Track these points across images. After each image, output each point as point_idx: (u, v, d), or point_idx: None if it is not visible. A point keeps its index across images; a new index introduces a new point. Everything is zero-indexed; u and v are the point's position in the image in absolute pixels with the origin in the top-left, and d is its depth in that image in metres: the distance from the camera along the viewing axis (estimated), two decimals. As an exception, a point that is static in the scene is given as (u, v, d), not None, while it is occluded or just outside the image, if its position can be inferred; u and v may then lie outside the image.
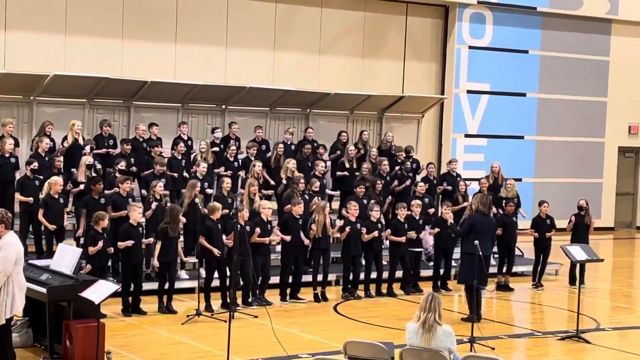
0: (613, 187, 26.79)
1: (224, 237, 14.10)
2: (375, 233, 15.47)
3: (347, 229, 15.22)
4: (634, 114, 26.91)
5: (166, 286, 13.74)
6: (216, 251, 13.72)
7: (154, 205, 14.61)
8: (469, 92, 24.26)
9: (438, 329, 8.61)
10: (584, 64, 25.96)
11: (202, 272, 14.28)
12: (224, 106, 19.79)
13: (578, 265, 15.05)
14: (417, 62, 23.89)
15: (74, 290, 10.67)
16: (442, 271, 16.49)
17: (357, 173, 18.22)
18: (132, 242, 13.16)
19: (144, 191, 15.98)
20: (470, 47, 24.20)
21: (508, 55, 24.71)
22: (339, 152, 19.30)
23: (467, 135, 24.34)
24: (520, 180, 23.27)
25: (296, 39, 21.98)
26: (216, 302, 14.05)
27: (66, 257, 11.42)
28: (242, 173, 17.50)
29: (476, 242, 13.22)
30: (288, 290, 15.06)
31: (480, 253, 13.06)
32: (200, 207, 14.47)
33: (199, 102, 19.51)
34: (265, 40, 21.56)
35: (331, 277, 16.13)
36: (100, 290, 10.35)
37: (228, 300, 13.81)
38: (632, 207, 27.69)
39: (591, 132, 26.28)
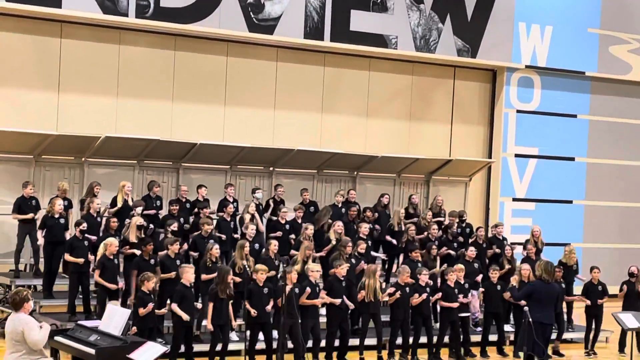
0: (663, 253, 26.37)
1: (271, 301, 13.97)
2: (424, 296, 15.35)
3: (398, 293, 15.10)
4: (685, 179, 26.58)
5: (219, 348, 13.63)
6: (253, 311, 13.60)
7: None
8: (516, 155, 24.16)
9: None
10: (633, 128, 25.77)
11: (233, 336, 14.19)
12: (271, 168, 19.89)
13: (633, 333, 14.74)
14: (465, 125, 23.87)
15: (123, 352, 10.66)
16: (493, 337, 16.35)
17: (403, 237, 18.21)
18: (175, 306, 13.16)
19: (192, 252, 16.03)
20: (518, 111, 24.16)
21: (556, 120, 24.61)
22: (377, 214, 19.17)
23: (514, 199, 24.18)
24: (568, 245, 22.97)
25: (344, 102, 22.10)
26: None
27: (115, 318, 11.43)
28: (293, 236, 17.54)
29: (525, 308, 13.08)
30: (335, 354, 14.92)
31: (530, 319, 12.89)
32: (249, 269, 14.46)
33: (247, 164, 19.63)
34: (313, 103, 21.70)
35: (370, 341, 15.77)
36: (149, 352, 10.34)
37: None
38: (684, 273, 27.16)
39: (641, 197, 25.99)
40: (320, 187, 20.41)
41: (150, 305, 12.83)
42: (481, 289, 16.80)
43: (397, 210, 18.98)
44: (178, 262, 14.50)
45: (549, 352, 15.53)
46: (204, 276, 14.44)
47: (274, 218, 17.93)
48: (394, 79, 22.83)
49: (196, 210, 17.36)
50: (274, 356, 13.79)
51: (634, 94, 25.68)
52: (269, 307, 13.71)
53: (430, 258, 17.52)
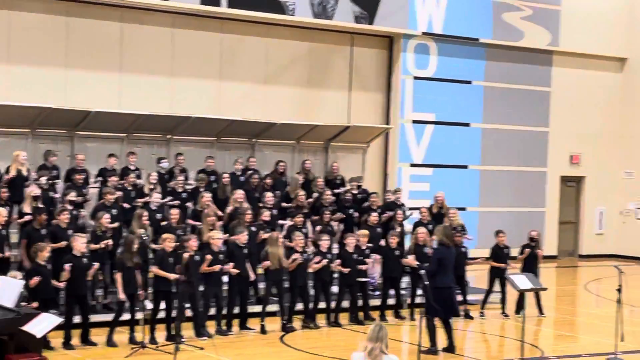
0: (556, 216, 27.12)
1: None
2: (325, 262, 15.45)
3: (299, 258, 15.12)
4: (575, 144, 27.34)
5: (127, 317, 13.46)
6: (173, 276, 13.50)
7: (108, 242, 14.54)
8: (414, 122, 24.45)
9: (384, 358, 8.58)
10: (526, 94, 26.35)
11: (148, 303, 14.12)
12: (169, 136, 19.69)
13: (527, 294, 15.11)
14: (363, 92, 24.03)
15: (16, 324, 10.48)
16: (392, 300, 16.58)
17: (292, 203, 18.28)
18: (68, 270, 12.85)
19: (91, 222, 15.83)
20: (415, 78, 24.43)
21: (452, 86, 24.97)
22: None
23: (412, 165, 24.50)
24: (464, 209, 23.45)
25: (242, 69, 21.99)
26: (161, 334, 13.88)
27: (7, 290, 11.21)
28: (190, 204, 17.42)
29: (422, 272, 13.28)
30: (236, 321, 14.95)
31: (427, 283, 13.09)
32: (146, 237, 14.33)
33: (144, 132, 19.39)
34: (211, 70, 21.54)
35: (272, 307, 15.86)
36: (42, 324, 10.19)
37: (173, 332, 13.64)
38: (574, 235, 28.03)
39: (534, 161, 26.63)
40: (219, 154, 20.29)
41: (36, 279, 12.54)
42: (377, 256, 17.00)
43: (294, 177, 19.05)
44: (70, 232, 14.26)
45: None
46: (91, 246, 14.23)
47: (173, 187, 17.74)
48: (292, 45, 22.80)
49: (101, 178, 17.18)
50: (173, 324, 13.76)
51: (526, 60, 26.23)
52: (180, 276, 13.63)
53: (325, 223, 17.59)
